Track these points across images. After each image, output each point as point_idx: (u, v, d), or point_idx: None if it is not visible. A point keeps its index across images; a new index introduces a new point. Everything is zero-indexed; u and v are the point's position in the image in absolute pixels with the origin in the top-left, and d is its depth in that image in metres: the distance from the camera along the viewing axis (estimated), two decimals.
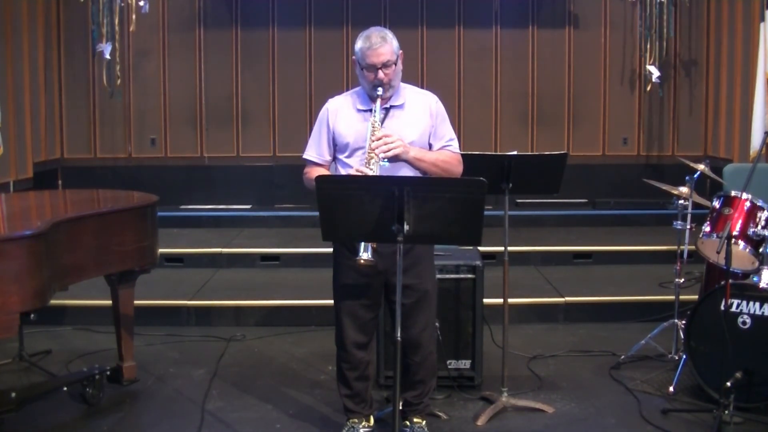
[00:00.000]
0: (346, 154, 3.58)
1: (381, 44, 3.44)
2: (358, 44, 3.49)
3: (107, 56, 7.77)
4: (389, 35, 3.49)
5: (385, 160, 3.39)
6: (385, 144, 3.37)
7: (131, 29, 7.78)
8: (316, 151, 3.65)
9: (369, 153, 3.38)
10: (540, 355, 4.97)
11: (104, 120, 8.26)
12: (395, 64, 3.48)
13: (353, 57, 3.54)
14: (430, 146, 3.61)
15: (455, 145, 3.66)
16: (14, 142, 7.10)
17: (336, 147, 3.62)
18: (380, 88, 3.46)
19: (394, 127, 3.52)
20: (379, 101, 3.48)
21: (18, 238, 3.37)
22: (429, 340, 3.69)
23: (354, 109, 3.59)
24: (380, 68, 3.44)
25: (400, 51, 3.53)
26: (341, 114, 3.60)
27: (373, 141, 3.38)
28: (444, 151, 3.62)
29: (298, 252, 6.72)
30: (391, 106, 3.56)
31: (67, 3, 8.09)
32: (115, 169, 8.23)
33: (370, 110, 3.50)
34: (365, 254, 3.25)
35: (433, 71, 8.27)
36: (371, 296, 3.61)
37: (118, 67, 7.91)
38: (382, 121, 3.50)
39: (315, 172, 3.53)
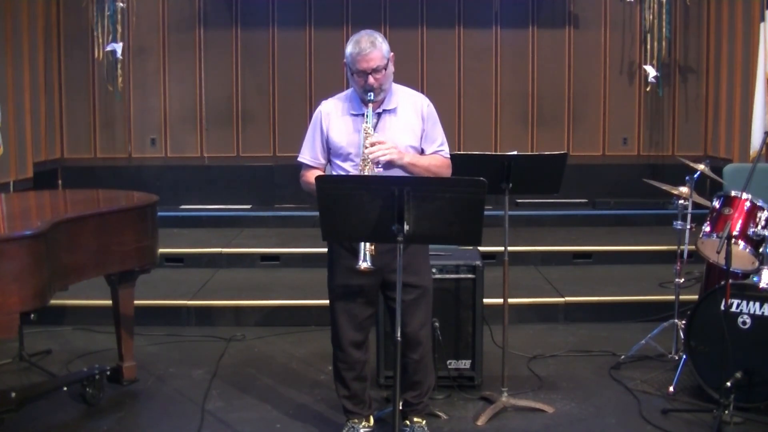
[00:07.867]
0: (341, 158, 3.58)
1: (371, 50, 3.42)
2: (348, 49, 3.47)
3: (120, 56, 7.79)
4: (379, 39, 3.47)
5: (380, 165, 3.39)
6: (379, 150, 3.37)
7: (122, 31, 7.81)
8: (310, 154, 3.65)
9: (363, 160, 3.39)
10: (540, 355, 4.97)
11: (104, 120, 8.26)
12: (385, 69, 3.47)
13: (344, 60, 3.52)
14: (422, 150, 3.61)
15: (446, 150, 3.67)
16: (14, 142, 7.10)
17: (330, 150, 3.62)
18: (371, 93, 3.45)
19: (387, 132, 3.52)
20: (371, 106, 3.47)
21: (18, 238, 3.37)
22: (427, 338, 3.71)
23: (347, 113, 3.58)
24: (370, 73, 3.43)
25: (391, 53, 3.52)
26: (334, 118, 3.59)
27: (366, 147, 3.38)
28: (436, 155, 3.63)
29: (298, 252, 6.72)
30: (384, 111, 3.56)
31: (67, 4, 8.09)
32: (115, 169, 8.22)
33: (363, 115, 3.49)
34: (365, 263, 3.29)
35: (433, 71, 8.27)
36: (367, 294, 3.61)
37: (120, 67, 7.91)
38: (375, 126, 3.49)
39: (311, 174, 3.52)
